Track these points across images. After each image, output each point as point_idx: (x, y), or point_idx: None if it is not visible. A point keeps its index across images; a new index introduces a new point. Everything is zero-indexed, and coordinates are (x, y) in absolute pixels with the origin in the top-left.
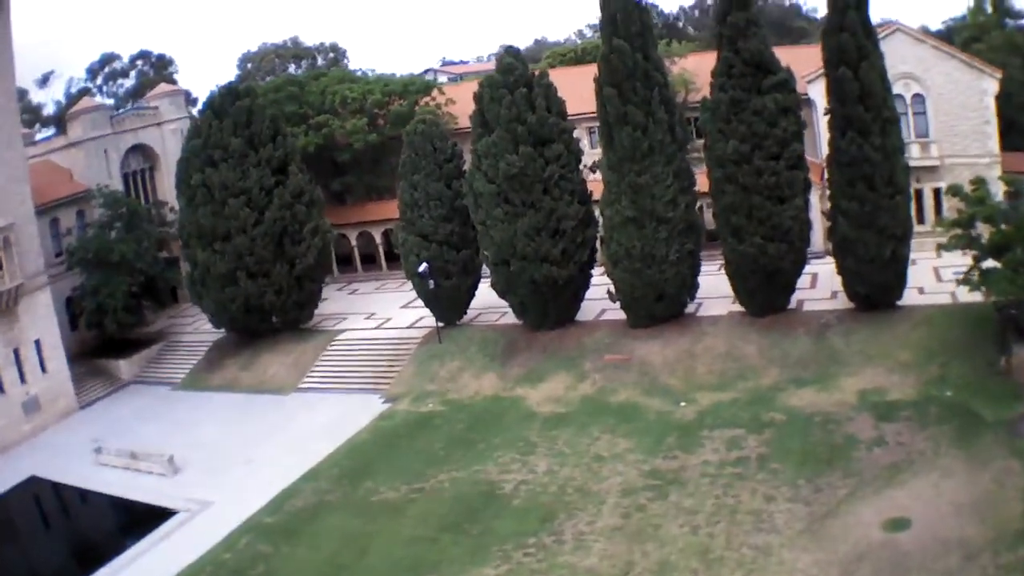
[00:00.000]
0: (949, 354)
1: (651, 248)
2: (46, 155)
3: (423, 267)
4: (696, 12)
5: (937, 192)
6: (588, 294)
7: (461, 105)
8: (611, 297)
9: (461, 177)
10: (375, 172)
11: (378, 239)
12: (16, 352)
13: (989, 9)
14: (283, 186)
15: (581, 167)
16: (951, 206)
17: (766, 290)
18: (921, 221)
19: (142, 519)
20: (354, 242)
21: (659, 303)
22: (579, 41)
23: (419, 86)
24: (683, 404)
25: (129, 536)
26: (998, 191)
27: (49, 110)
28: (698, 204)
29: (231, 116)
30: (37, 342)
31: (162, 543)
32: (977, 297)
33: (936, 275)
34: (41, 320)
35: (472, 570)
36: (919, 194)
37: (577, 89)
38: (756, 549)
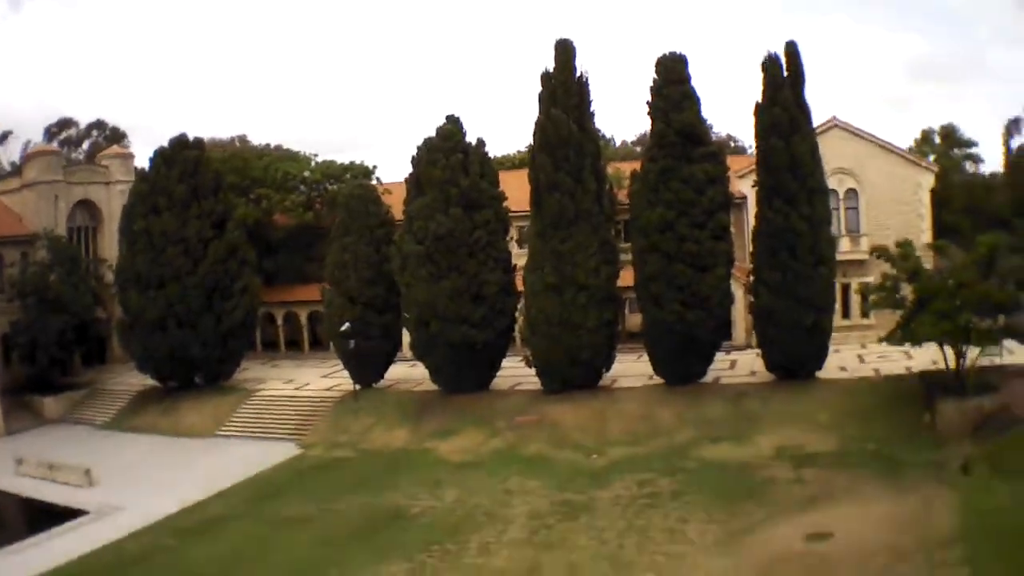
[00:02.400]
0: (871, 415)
1: (569, 315)
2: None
3: (345, 326)
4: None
5: (865, 297)
6: (504, 373)
7: (396, 196)
8: (527, 362)
9: (390, 243)
10: (307, 256)
11: (303, 320)
12: None
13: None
14: (219, 240)
15: (508, 238)
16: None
17: (684, 358)
18: (846, 315)
19: (53, 517)
20: (280, 321)
21: (574, 368)
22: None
23: (358, 170)
24: (594, 456)
25: (38, 529)
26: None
27: (4, 169)
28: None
29: (179, 164)
30: None
31: (69, 534)
32: (900, 369)
33: (860, 359)
34: None
35: (374, 568)
36: (846, 289)
37: (512, 190)
38: (669, 556)
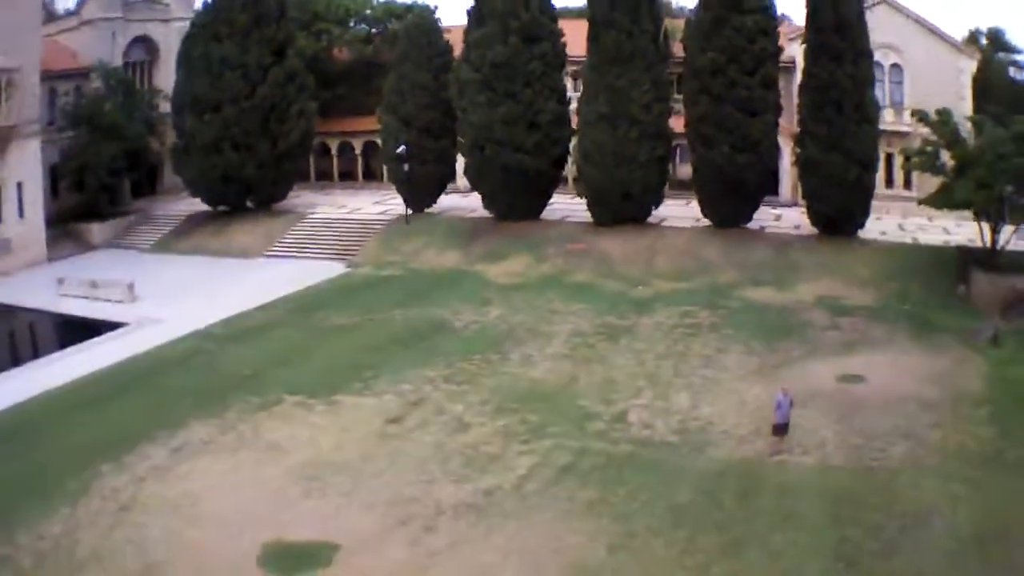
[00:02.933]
0: (909, 277)
1: (622, 147)
2: (56, 35)
3: (401, 148)
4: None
5: (907, 158)
6: (555, 206)
7: (455, 37)
8: (578, 193)
9: (448, 72)
10: (364, 89)
11: (357, 150)
12: None
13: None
14: (279, 66)
15: (564, 73)
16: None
17: (731, 200)
18: (889, 184)
19: (95, 330)
20: (334, 152)
21: (625, 202)
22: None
23: (420, 9)
24: (640, 287)
25: (80, 341)
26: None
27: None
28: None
29: None
30: (19, 185)
31: (108, 343)
32: (939, 242)
33: (900, 228)
34: (27, 166)
35: (413, 370)
36: (889, 158)
37: (572, 38)
38: (705, 379)
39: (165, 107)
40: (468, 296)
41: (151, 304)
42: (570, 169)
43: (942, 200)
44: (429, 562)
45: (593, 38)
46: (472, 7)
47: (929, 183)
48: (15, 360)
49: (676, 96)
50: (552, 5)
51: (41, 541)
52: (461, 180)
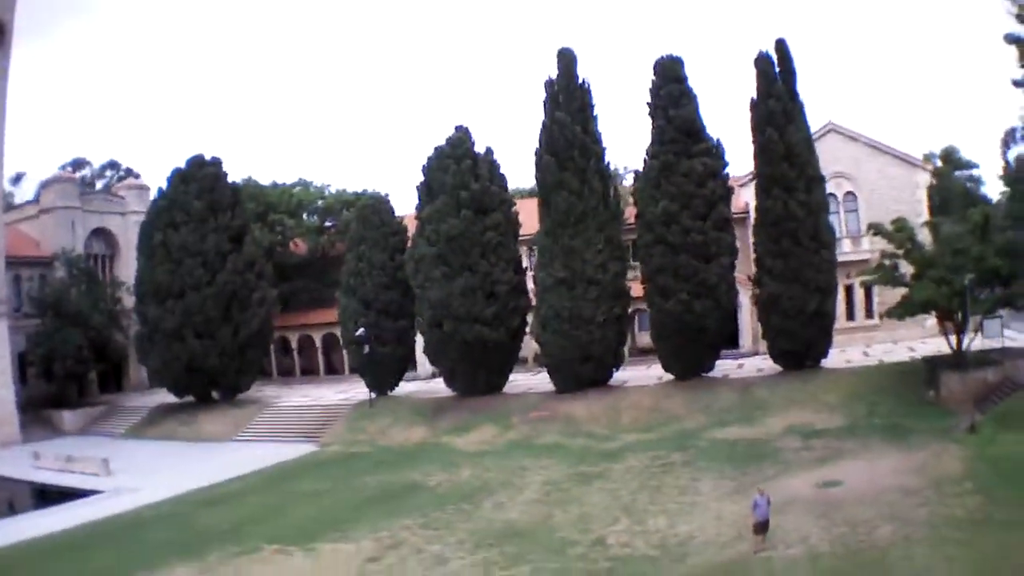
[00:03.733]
0: (877, 395)
1: (579, 309)
2: (17, 222)
3: (360, 331)
4: None
5: (868, 289)
6: (516, 383)
7: (407, 223)
8: (537, 360)
9: (403, 252)
10: (321, 282)
11: (318, 343)
12: None
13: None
14: (237, 253)
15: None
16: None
17: (692, 350)
18: (851, 317)
19: (72, 497)
20: (295, 345)
21: (585, 365)
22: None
23: (370, 198)
24: (608, 443)
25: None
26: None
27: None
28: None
29: (196, 181)
30: None
31: (89, 506)
32: (904, 356)
33: (865, 355)
34: None
35: (389, 520)
36: (849, 290)
37: (526, 217)
38: (681, 504)
39: (128, 301)
40: (438, 462)
41: (126, 477)
42: (529, 346)
43: (904, 308)
44: None
45: (544, 203)
46: (421, 183)
47: (893, 322)
48: None
49: (632, 263)
50: (501, 175)
51: None
52: (422, 367)
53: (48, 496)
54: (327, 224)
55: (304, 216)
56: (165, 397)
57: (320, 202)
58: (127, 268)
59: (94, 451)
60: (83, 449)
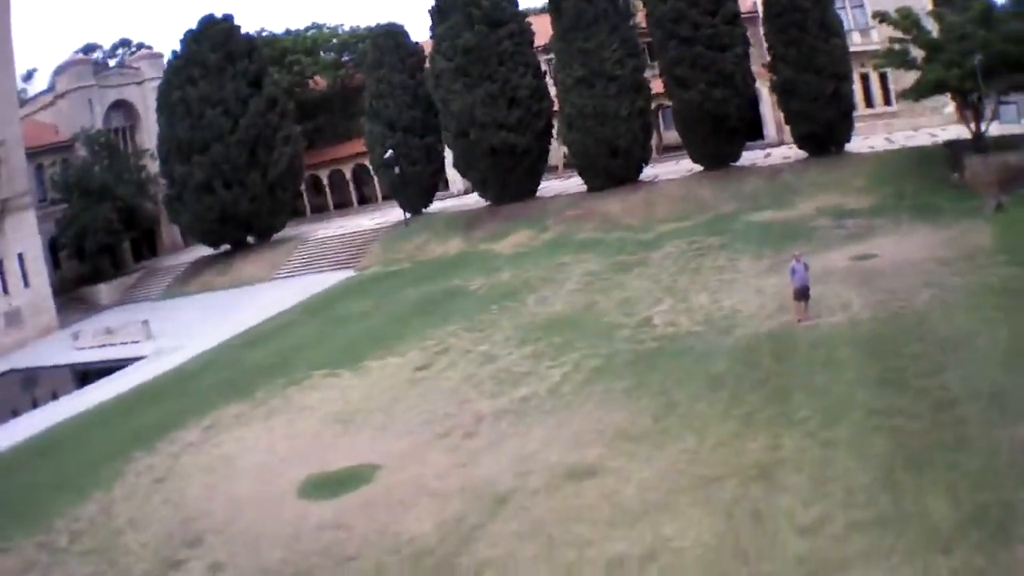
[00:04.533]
0: (903, 178)
1: (603, 106)
2: (33, 114)
3: (388, 153)
4: None
5: (883, 76)
6: (547, 187)
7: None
8: (567, 165)
9: (422, 71)
10: (344, 115)
11: (348, 176)
12: (0, 264)
13: None
14: (258, 96)
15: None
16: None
17: (716, 138)
18: (869, 104)
19: (115, 368)
20: (326, 181)
21: (614, 160)
22: None
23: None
24: (644, 234)
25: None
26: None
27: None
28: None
29: (210, 39)
30: (20, 256)
31: (132, 373)
32: (927, 142)
33: (887, 141)
34: (25, 237)
35: (432, 332)
36: (865, 79)
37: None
38: (721, 281)
39: (153, 167)
40: (477, 268)
41: (168, 337)
42: (557, 154)
43: (919, 90)
44: (471, 459)
45: (555, 10)
46: (432, 6)
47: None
48: (34, 403)
49: (651, 64)
50: None
51: (76, 523)
52: (454, 184)
53: (91, 375)
54: (344, 59)
55: (320, 54)
56: (201, 252)
57: (334, 40)
58: (149, 136)
59: (133, 317)
60: (122, 318)
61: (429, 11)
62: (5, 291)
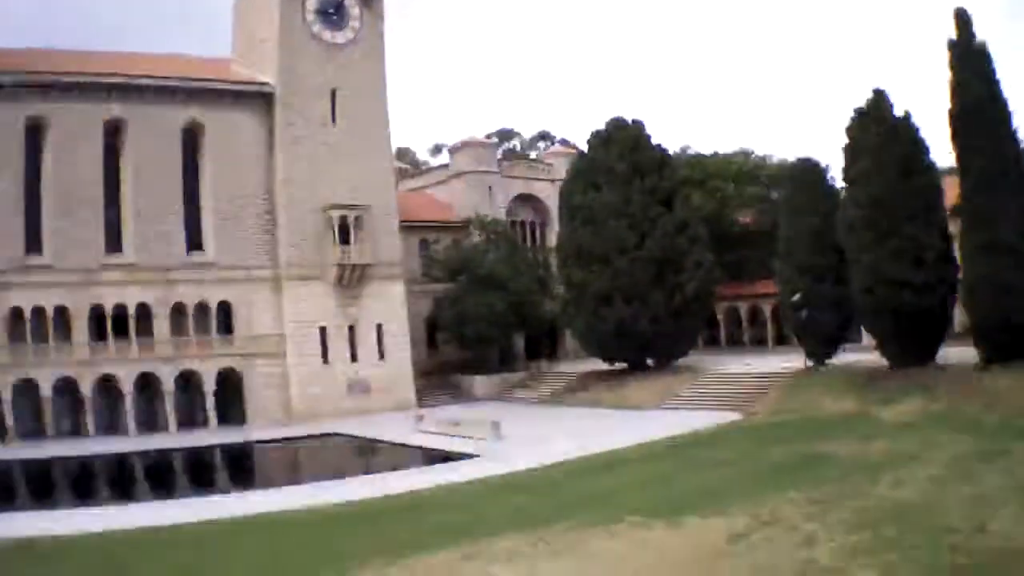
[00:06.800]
0: None
1: (1003, 277)
2: (429, 187)
3: (796, 296)
4: None
5: None
6: (944, 353)
7: None
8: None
9: (835, 214)
10: (770, 250)
11: (767, 314)
12: (351, 331)
13: None
14: (668, 216)
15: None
16: None
17: None
18: None
19: (446, 458)
20: (743, 316)
21: (1005, 334)
22: None
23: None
24: None
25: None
26: None
27: None
28: None
29: (617, 143)
30: (379, 327)
31: (463, 468)
32: None
33: None
34: (388, 309)
35: (773, 497)
36: None
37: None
38: None
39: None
40: (855, 433)
41: (513, 445)
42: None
43: None
44: None
45: (962, 167)
46: (846, 144)
47: None
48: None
49: None
50: (922, 140)
51: None
52: (866, 336)
53: (426, 457)
54: (772, 194)
55: (747, 186)
56: (595, 365)
57: (763, 173)
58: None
59: (496, 415)
60: (488, 414)
61: (843, 149)
62: (354, 358)
